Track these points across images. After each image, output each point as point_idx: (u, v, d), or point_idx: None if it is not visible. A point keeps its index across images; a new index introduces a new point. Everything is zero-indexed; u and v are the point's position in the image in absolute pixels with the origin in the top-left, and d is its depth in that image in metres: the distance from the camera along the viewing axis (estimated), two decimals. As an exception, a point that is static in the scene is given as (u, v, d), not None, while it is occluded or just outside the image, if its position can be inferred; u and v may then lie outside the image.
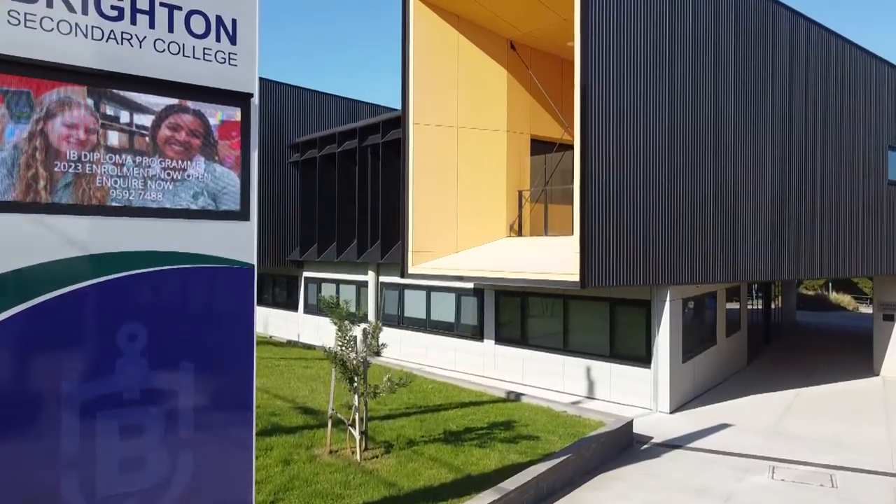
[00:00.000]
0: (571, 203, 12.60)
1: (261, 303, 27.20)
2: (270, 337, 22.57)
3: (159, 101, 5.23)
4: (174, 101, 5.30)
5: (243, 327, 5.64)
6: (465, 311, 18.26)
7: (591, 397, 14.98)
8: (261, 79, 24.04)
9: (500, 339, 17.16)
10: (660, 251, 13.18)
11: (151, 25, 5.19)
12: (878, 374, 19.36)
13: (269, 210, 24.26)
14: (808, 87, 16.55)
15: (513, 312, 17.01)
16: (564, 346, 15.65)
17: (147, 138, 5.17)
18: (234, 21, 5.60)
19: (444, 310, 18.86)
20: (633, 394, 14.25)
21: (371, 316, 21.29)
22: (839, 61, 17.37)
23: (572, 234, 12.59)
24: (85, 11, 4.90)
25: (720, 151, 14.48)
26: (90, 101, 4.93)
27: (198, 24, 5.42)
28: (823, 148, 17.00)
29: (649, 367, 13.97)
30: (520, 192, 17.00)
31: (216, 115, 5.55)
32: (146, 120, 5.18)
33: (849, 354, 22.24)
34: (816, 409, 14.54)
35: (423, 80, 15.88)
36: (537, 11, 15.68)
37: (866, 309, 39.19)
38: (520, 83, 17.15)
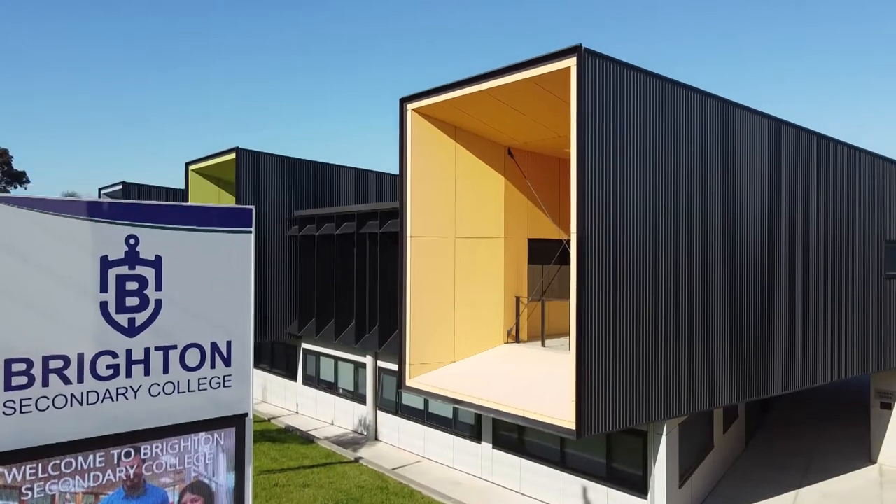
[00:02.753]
0: (568, 297, 12.47)
1: (258, 366, 27.24)
2: (269, 420, 22.54)
3: (157, 444, 5.27)
4: (174, 438, 5.34)
5: None
6: (463, 410, 18.28)
7: (588, 515, 15.02)
8: (259, 152, 24.14)
9: (498, 443, 17.19)
10: (656, 385, 13.21)
11: (147, 373, 5.23)
12: (874, 462, 19.43)
13: (268, 280, 24.29)
14: (803, 190, 16.59)
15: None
16: (562, 462, 15.68)
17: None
18: (228, 343, 5.64)
19: (441, 405, 18.89)
20: (630, 517, 14.27)
21: (369, 400, 21.34)
22: (835, 161, 17.42)
23: (569, 334, 12.38)
24: (80, 379, 4.94)
25: (717, 267, 14.51)
26: (83, 461, 4.97)
27: (193, 358, 5.46)
28: (820, 249, 17.03)
29: (645, 498, 14.01)
30: (517, 298, 17.03)
31: (211, 439, 5.59)
32: (138, 465, 5.22)
33: (845, 434, 22.26)
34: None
35: (421, 191, 15.90)
36: (534, 128, 15.73)
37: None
38: (517, 188, 17.19)
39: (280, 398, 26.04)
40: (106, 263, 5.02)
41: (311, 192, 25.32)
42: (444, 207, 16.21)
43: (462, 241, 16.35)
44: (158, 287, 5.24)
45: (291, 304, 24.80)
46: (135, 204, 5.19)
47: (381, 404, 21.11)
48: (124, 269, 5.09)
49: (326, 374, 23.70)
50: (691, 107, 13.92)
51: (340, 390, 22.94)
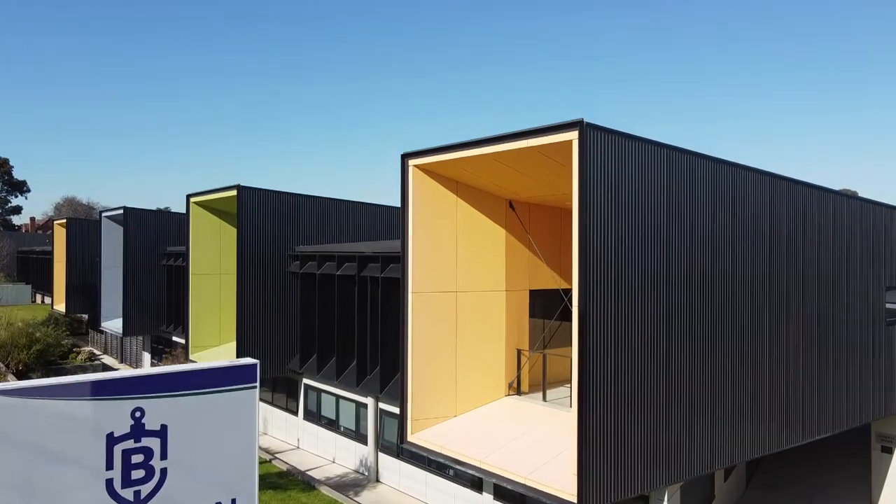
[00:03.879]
0: (570, 344, 12.46)
1: (261, 396, 27.24)
2: (271, 459, 22.53)
3: None
4: None
5: None
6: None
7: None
8: (260, 189, 24.16)
9: (499, 496, 17.21)
10: (658, 451, 13.22)
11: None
12: (875, 506, 19.47)
13: (269, 316, 24.34)
14: (803, 242, 16.60)
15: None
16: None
17: None
18: (233, 501, 5.65)
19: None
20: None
21: (371, 440, 21.37)
22: (834, 212, 17.44)
23: (570, 383, 12.35)
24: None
25: (718, 327, 14.52)
26: None
27: (198, 523, 5.47)
28: (822, 298, 17.05)
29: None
30: (518, 351, 17.05)
31: None
32: None
33: (845, 475, 22.23)
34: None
35: (422, 247, 15.91)
36: (535, 186, 15.75)
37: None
38: (518, 240, 17.20)
39: (281, 431, 26.06)
40: (112, 440, 5.04)
41: (313, 227, 25.33)
42: (446, 262, 16.22)
43: (464, 295, 16.36)
44: (164, 456, 5.26)
45: (293, 338, 24.81)
46: (140, 377, 5.21)
47: (383, 446, 21.14)
48: (130, 444, 5.11)
49: (328, 410, 23.72)
50: (692, 170, 13.94)
51: (342, 428, 22.96)
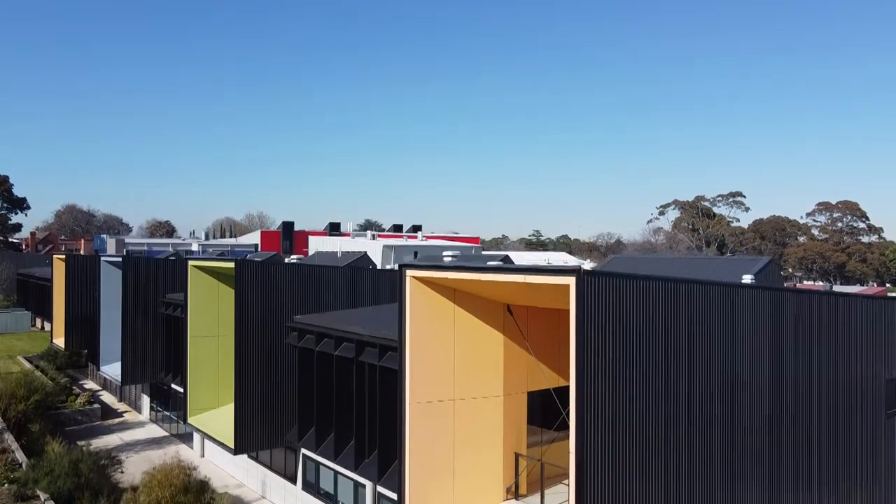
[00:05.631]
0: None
1: (258, 459, 27.25)
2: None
3: None
4: None
5: None
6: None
7: None
8: (258, 262, 24.05)
9: None
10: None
11: None
12: None
13: (268, 387, 24.30)
14: (803, 345, 16.57)
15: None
16: None
17: None
18: None
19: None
20: None
21: (369, 524, 21.30)
22: (834, 312, 17.41)
23: (567, 480, 12.32)
24: None
25: (718, 438, 14.54)
26: None
27: None
28: (823, 396, 17.03)
29: None
30: (516, 455, 16.99)
31: None
32: None
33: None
34: None
35: (420, 355, 15.87)
36: (532, 298, 15.68)
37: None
38: (516, 342, 17.13)
39: (280, 498, 26.02)
40: None
41: (312, 296, 25.26)
42: (444, 369, 16.17)
43: (462, 402, 16.32)
44: None
45: (291, 405, 24.74)
46: None
47: (382, 529, 21.08)
48: None
49: (326, 484, 23.67)
50: (687, 297, 13.92)
51: (340, 504, 22.92)
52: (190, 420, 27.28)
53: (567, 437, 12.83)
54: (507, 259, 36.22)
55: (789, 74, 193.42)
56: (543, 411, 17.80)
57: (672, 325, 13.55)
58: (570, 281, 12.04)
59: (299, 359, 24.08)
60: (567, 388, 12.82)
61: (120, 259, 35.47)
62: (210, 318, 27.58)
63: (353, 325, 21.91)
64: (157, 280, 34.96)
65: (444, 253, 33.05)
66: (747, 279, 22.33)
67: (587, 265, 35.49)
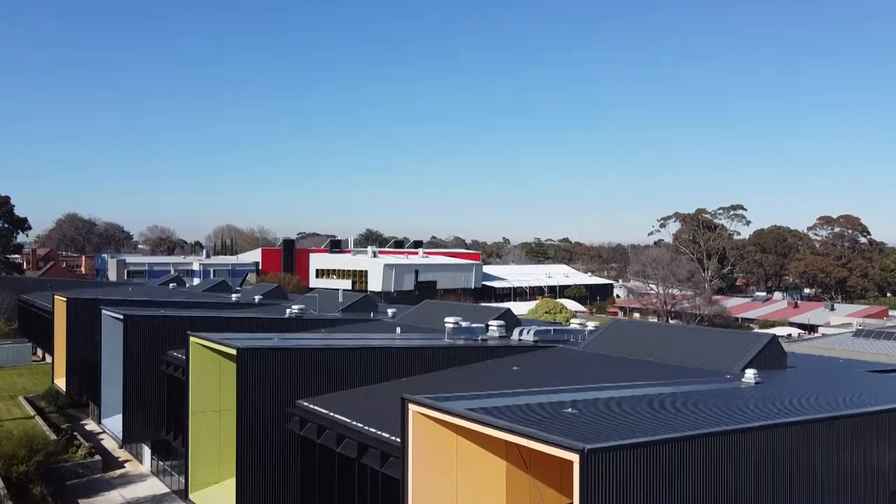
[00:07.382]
0: None
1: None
2: None
3: None
4: None
5: None
6: None
7: None
8: (260, 349, 24.03)
9: None
10: None
11: None
12: None
13: (269, 468, 24.27)
14: (810, 467, 16.52)
15: None
16: None
17: None
18: None
19: None
20: None
21: None
22: (839, 433, 17.37)
23: None
24: None
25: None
26: None
27: None
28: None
29: None
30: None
31: None
32: None
33: None
34: None
35: (421, 486, 15.84)
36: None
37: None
38: (519, 467, 17.09)
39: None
40: None
41: (315, 378, 25.19)
42: (446, 499, 16.13)
43: (464, 534, 16.28)
44: None
45: (294, 489, 24.73)
46: None
47: None
48: None
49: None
50: (693, 450, 13.87)
51: None
52: (191, 496, 27.26)
53: None
54: (508, 313, 36.11)
55: (794, 87, 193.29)
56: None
57: (678, 478, 13.51)
58: (575, 458, 12.00)
59: (301, 448, 24.05)
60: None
61: (122, 316, 35.40)
62: (212, 392, 27.58)
63: (355, 415, 21.80)
64: (159, 339, 34.91)
65: (446, 319, 33.14)
66: (750, 376, 22.23)
67: (590, 326, 35.30)
